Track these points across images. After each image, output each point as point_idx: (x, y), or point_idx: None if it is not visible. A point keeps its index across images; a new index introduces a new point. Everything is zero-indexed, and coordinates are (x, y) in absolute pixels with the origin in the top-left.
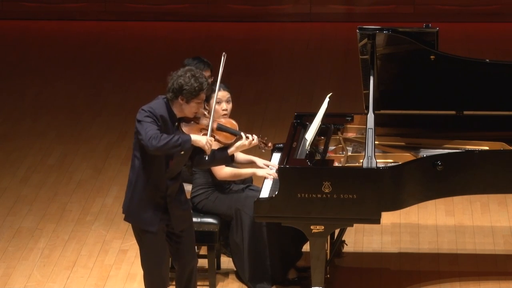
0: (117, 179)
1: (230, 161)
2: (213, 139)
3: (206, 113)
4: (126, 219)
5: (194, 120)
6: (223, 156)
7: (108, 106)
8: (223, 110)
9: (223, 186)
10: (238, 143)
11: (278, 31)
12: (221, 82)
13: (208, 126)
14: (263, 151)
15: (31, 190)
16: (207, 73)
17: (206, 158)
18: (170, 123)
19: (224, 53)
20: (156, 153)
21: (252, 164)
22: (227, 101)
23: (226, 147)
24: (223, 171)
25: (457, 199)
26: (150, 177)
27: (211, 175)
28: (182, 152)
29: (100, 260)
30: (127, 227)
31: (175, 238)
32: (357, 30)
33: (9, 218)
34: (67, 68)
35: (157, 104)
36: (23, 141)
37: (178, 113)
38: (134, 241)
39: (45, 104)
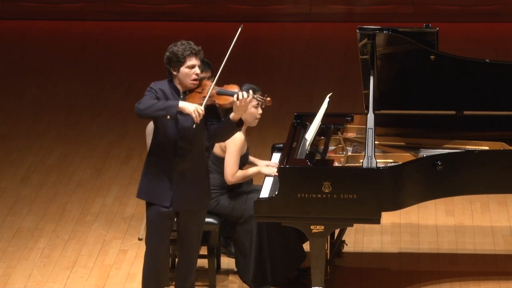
0: (117, 179)
1: (236, 126)
2: (202, 108)
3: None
4: (137, 195)
5: (197, 90)
6: (228, 122)
7: (108, 106)
8: (259, 114)
9: (232, 190)
10: (234, 106)
11: (278, 31)
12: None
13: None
14: (263, 106)
15: (31, 190)
16: (207, 74)
17: (194, 127)
18: (173, 97)
19: (242, 25)
20: (142, 117)
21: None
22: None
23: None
24: (233, 178)
25: (457, 199)
26: (160, 152)
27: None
28: (168, 117)
29: (100, 260)
30: (127, 227)
31: (181, 223)
32: (357, 30)
33: (9, 218)
34: (67, 68)
35: (160, 82)
36: (23, 141)
37: (181, 88)
38: (134, 241)
39: (45, 104)
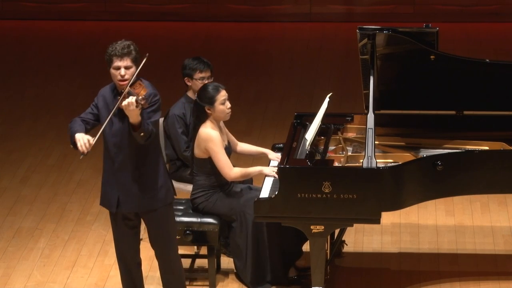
0: None
1: (132, 130)
2: (90, 138)
3: (141, 84)
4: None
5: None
6: (129, 126)
7: None
8: (228, 108)
9: (223, 187)
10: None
11: (278, 31)
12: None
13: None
14: (139, 107)
15: (31, 190)
16: (207, 74)
17: (81, 157)
18: (112, 99)
19: (147, 54)
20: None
21: (263, 156)
22: (228, 100)
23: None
24: (233, 173)
25: (457, 199)
26: (105, 157)
27: (214, 177)
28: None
29: (100, 260)
30: None
31: (146, 225)
32: (357, 30)
33: (9, 218)
34: (67, 68)
35: (107, 86)
36: (23, 141)
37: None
38: None
39: (45, 104)
